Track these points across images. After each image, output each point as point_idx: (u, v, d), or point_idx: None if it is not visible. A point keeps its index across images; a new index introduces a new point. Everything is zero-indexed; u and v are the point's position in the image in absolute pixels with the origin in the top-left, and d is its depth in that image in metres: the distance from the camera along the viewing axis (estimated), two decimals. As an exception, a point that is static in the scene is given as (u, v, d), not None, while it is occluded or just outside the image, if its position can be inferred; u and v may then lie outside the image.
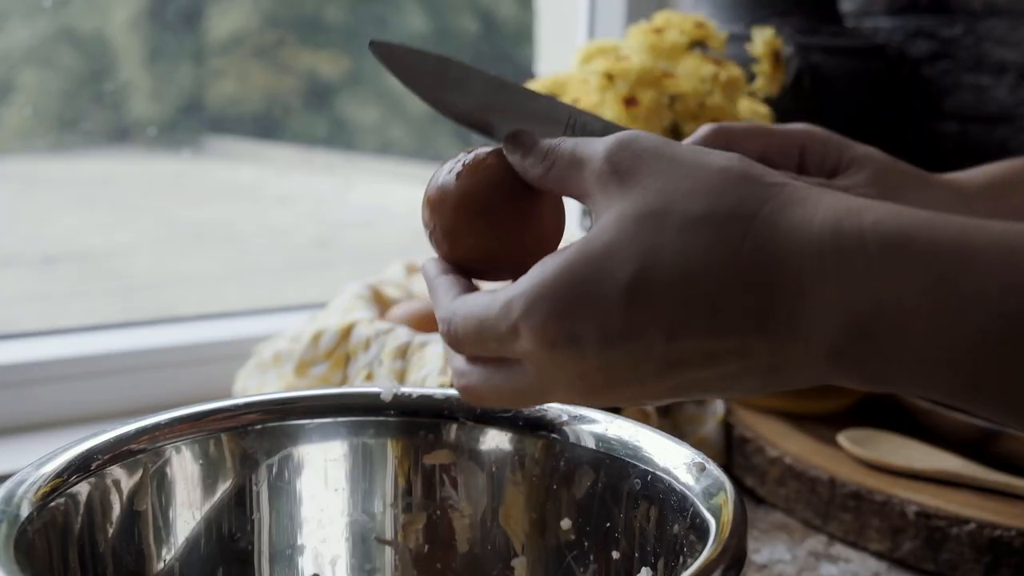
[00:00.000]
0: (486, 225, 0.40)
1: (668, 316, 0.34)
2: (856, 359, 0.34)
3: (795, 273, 0.33)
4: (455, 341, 0.38)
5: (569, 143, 0.39)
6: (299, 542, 0.49)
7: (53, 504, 0.40)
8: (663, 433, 0.45)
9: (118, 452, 0.44)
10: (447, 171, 0.41)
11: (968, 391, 0.33)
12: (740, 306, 0.34)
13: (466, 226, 0.40)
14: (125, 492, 0.44)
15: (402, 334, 0.70)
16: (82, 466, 0.42)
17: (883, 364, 0.33)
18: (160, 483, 0.45)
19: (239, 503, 0.48)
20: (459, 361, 0.39)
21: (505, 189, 0.40)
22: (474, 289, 0.39)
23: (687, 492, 0.42)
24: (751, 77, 0.87)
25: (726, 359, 0.35)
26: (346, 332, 0.73)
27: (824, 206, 0.34)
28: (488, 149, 0.41)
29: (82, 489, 0.42)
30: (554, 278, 0.35)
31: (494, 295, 0.37)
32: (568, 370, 0.35)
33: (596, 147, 0.37)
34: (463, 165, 0.41)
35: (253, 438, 0.48)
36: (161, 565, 0.45)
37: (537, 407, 0.48)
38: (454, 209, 0.40)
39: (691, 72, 0.82)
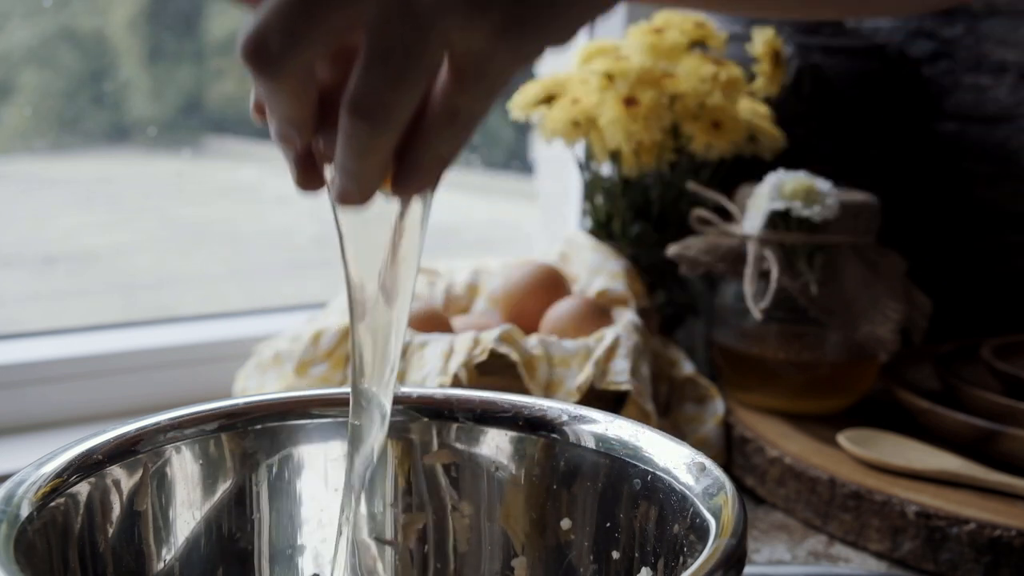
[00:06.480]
0: None
1: None
2: None
3: None
4: None
5: None
6: (299, 542, 0.49)
7: (53, 504, 0.40)
8: (663, 433, 0.45)
9: (118, 452, 0.44)
10: None
11: None
12: None
13: None
14: (125, 492, 0.44)
15: (402, 334, 0.70)
16: (82, 466, 0.42)
17: None
18: (160, 483, 0.45)
19: (239, 503, 0.48)
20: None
21: None
22: None
23: (687, 492, 0.42)
24: (751, 77, 0.87)
25: None
26: (346, 332, 0.73)
27: None
28: None
29: (82, 489, 0.42)
30: None
31: None
32: None
33: None
34: None
35: (253, 438, 0.48)
36: (161, 565, 0.45)
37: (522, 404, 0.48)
38: None
39: (691, 72, 0.82)
